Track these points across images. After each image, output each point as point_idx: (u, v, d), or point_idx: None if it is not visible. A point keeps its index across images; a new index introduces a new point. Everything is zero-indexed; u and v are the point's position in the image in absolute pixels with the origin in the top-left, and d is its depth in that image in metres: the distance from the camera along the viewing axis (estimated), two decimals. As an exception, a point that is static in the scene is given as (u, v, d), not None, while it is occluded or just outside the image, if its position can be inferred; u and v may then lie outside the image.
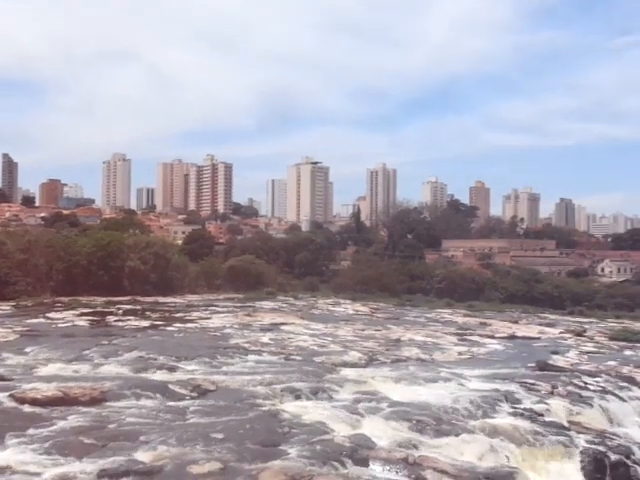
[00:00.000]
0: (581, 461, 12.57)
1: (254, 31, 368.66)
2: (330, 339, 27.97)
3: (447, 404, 15.23)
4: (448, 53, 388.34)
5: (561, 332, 34.41)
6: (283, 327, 32.49)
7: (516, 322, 40.90)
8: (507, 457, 11.87)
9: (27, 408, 13.62)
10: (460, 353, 25.06)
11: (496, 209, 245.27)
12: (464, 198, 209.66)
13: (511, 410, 15.29)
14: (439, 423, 13.54)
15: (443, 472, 10.34)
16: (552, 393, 17.29)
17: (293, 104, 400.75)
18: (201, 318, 36.53)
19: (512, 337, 31.67)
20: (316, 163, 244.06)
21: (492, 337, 31.13)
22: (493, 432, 13.13)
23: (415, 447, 11.86)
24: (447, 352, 25.15)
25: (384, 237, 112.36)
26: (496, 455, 11.88)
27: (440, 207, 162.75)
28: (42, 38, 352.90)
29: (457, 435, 12.83)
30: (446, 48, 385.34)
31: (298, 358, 22.18)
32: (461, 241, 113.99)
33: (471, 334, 32.15)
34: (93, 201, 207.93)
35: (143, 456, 10.58)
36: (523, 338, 31.53)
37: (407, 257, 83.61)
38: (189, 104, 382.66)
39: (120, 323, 33.06)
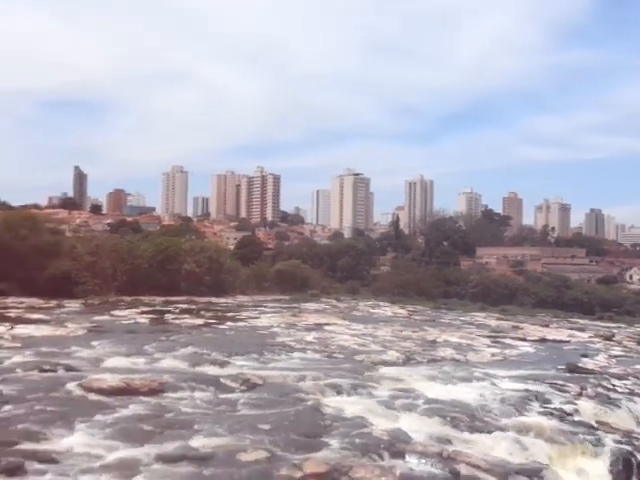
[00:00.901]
0: (609, 460, 12.22)
1: (298, 52, 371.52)
2: (370, 339, 27.85)
3: (480, 402, 15.01)
4: (482, 71, 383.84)
5: (590, 336, 33.61)
6: (326, 327, 32.48)
7: (547, 326, 40.11)
8: (537, 454, 11.62)
9: (93, 396, 13.91)
10: (493, 354, 24.67)
11: (528, 219, 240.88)
12: (498, 208, 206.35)
13: (541, 409, 14.96)
14: (472, 420, 13.35)
15: (476, 466, 10.19)
16: (581, 394, 16.86)
17: (335, 119, 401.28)
18: (250, 317, 36.78)
19: (543, 340, 31.04)
20: (358, 174, 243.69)
21: (524, 340, 30.57)
22: (524, 430, 12.87)
23: (449, 442, 11.71)
24: (480, 353, 24.79)
25: (421, 244, 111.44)
26: (526, 452, 11.64)
27: (475, 216, 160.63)
28: (104, 62, 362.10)
29: (489, 432, 12.63)
30: (480, 66, 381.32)
31: (340, 356, 22.14)
32: (494, 249, 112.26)
33: (504, 337, 31.63)
34: (154, 209, 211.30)
35: (197, 443, 10.69)
36: (553, 341, 30.89)
37: (443, 263, 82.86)
38: (239, 120, 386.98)
39: (177, 321, 33.52)
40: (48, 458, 9.62)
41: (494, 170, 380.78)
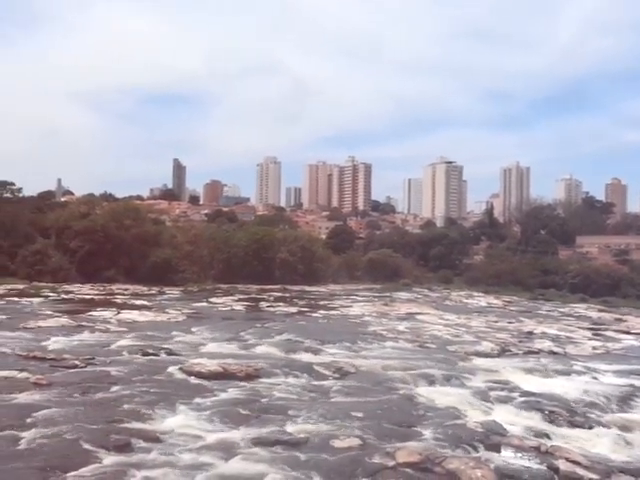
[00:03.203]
0: None
1: (387, 42, 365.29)
2: (463, 329, 27.37)
3: (580, 397, 14.41)
4: (576, 52, 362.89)
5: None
6: (418, 317, 32.22)
7: (654, 319, 37.85)
8: (642, 452, 11.02)
9: (193, 380, 14.50)
10: (594, 347, 23.60)
11: (634, 206, 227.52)
12: (600, 195, 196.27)
13: (647, 406, 14.19)
14: (571, 415, 12.84)
15: (576, 463, 9.79)
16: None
17: (425, 108, 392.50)
18: (342, 306, 37.06)
19: (649, 334, 29.37)
20: (450, 162, 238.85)
21: (628, 333, 29.07)
22: (627, 426, 12.24)
23: (547, 437, 11.32)
24: (581, 346, 23.79)
25: (517, 233, 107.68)
26: (630, 450, 11.06)
27: (574, 204, 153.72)
28: (197, 58, 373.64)
29: (590, 428, 12.10)
30: (574, 48, 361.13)
31: (432, 346, 21.90)
32: (596, 237, 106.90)
33: (606, 329, 30.20)
34: (248, 199, 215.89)
35: (291, 428, 10.91)
36: (661, 335, 29.16)
37: (540, 252, 79.78)
38: (330, 111, 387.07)
39: (271, 309, 34.28)
40: (153, 437, 10.13)
41: (594, 156, 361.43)
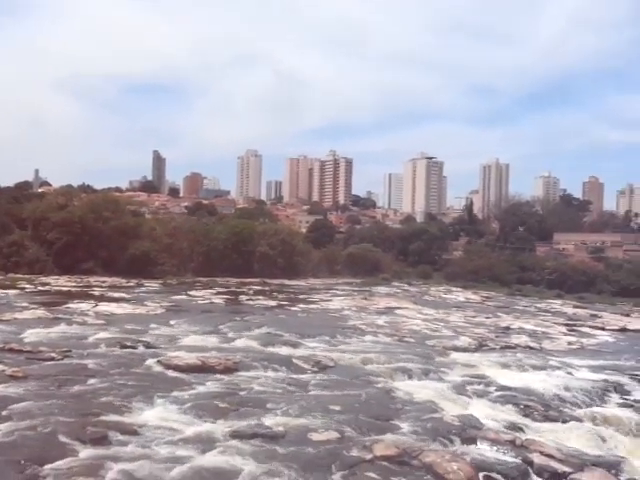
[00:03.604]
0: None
1: (374, 34, 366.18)
2: (442, 324, 27.59)
3: (555, 391, 14.63)
4: (560, 49, 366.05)
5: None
6: (397, 311, 32.40)
7: (628, 315, 38.48)
8: (615, 446, 11.22)
9: (171, 373, 14.45)
10: (569, 343, 23.96)
11: (610, 204, 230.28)
12: (577, 193, 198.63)
13: (620, 401, 14.44)
14: (546, 409, 13.04)
15: (550, 456, 9.94)
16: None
17: (409, 102, 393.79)
18: (322, 300, 37.10)
19: (623, 330, 29.90)
20: (431, 158, 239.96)
21: (602, 329, 29.53)
22: (601, 421, 12.45)
23: (522, 430, 11.49)
24: (556, 341, 24.12)
25: (495, 229, 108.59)
26: (603, 443, 11.26)
27: (552, 201, 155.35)
28: (182, 48, 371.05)
29: (564, 422, 12.29)
30: (558, 45, 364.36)
31: (411, 340, 22.06)
32: (573, 234, 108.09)
33: (581, 325, 30.64)
34: (228, 192, 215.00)
35: (269, 421, 10.93)
36: (635, 331, 29.68)
37: (518, 249, 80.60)
38: (313, 103, 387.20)
39: (251, 302, 34.23)
40: (130, 430, 10.08)
41: (574, 153, 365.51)
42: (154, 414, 11.11)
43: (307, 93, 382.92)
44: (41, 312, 24.04)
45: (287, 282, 53.12)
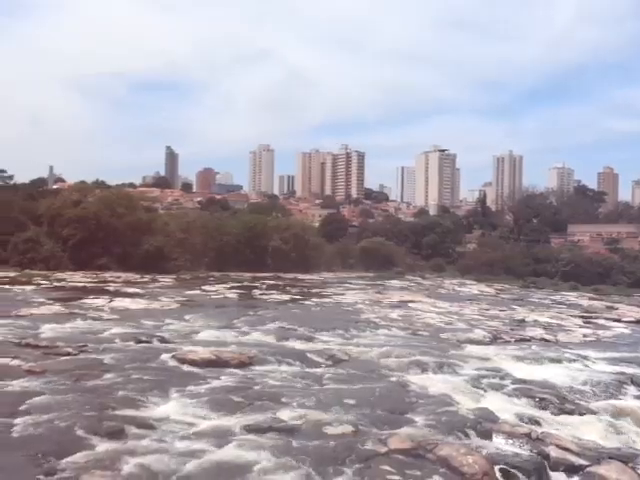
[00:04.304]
0: None
1: (378, 31, 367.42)
2: (456, 317, 27.49)
3: (571, 384, 14.53)
4: (566, 42, 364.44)
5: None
6: (411, 304, 32.33)
7: (644, 307, 38.12)
8: (632, 439, 11.13)
9: (186, 368, 14.48)
10: (585, 335, 23.77)
11: (625, 194, 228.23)
12: (592, 184, 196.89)
13: (637, 393, 14.26)
14: (562, 402, 12.94)
15: (566, 449, 9.87)
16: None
17: (417, 96, 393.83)
18: (335, 294, 37.12)
19: (640, 322, 29.61)
20: (443, 151, 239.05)
21: (619, 321, 29.28)
22: (618, 414, 12.34)
23: (538, 423, 11.40)
24: (572, 334, 23.95)
25: (509, 221, 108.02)
26: (620, 436, 11.17)
27: (567, 192, 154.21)
28: (188, 45, 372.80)
29: (580, 414, 12.20)
30: (563, 38, 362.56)
31: (425, 334, 22.00)
32: (588, 226, 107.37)
33: (597, 317, 30.40)
34: (241, 187, 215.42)
35: (284, 415, 10.93)
36: (652, 323, 29.40)
37: (532, 241, 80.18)
38: (322, 99, 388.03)
39: (264, 296, 34.30)
40: (146, 424, 10.14)
41: (586, 145, 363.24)
42: (169, 408, 11.16)
43: (313, 90, 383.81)
44: (57, 308, 24.23)
45: (300, 276, 53.16)
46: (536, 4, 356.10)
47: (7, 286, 33.67)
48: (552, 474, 9.25)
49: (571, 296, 45.03)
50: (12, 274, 41.92)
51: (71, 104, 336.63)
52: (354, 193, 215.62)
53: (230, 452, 9.11)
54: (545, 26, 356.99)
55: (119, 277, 43.80)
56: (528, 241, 79.95)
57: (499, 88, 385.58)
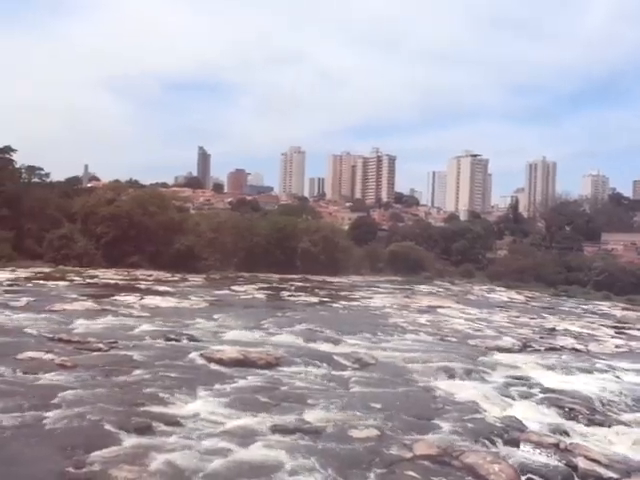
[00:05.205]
0: None
1: (412, 31, 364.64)
2: (484, 324, 27.22)
3: (601, 395, 14.27)
4: (607, 45, 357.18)
5: None
6: (439, 310, 32.10)
7: (680, 319, 37.24)
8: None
9: (214, 366, 14.61)
10: (617, 346, 23.33)
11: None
12: (627, 192, 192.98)
13: (670, 407, 13.98)
14: (592, 413, 12.72)
15: (595, 461, 9.70)
16: None
17: (450, 99, 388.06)
18: (363, 297, 37.05)
19: (674, 333, 28.92)
20: (476, 156, 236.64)
21: (653, 332, 28.65)
22: (649, 426, 12.09)
23: (566, 434, 11.22)
24: (603, 344, 23.52)
25: (541, 228, 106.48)
26: (651, 450, 10.93)
27: (601, 200, 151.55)
28: (221, 45, 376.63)
29: (610, 426, 11.97)
30: (605, 40, 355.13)
31: (453, 340, 21.83)
32: (622, 234, 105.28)
33: (630, 328, 29.81)
34: (272, 189, 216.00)
35: (310, 417, 10.95)
36: (687, 335, 28.70)
37: (564, 249, 78.96)
38: (354, 101, 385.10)
39: (292, 298, 34.38)
40: (173, 421, 10.26)
41: (623, 151, 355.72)
42: (197, 406, 11.27)
43: (346, 92, 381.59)
44: (89, 304, 24.64)
45: (329, 279, 53.19)
46: (576, 4, 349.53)
47: (42, 281, 34.38)
48: (580, 486, 9.11)
49: (603, 306, 44.26)
50: (47, 269, 42.77)
51: (106, 104, 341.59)
52: (384, 197, 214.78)
53: (256, 452, 9.16)
54: (586, 27, 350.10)
55: (150, 275, 44.36)
56: (560, 249, 78.77)
57: (536, 91, 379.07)
